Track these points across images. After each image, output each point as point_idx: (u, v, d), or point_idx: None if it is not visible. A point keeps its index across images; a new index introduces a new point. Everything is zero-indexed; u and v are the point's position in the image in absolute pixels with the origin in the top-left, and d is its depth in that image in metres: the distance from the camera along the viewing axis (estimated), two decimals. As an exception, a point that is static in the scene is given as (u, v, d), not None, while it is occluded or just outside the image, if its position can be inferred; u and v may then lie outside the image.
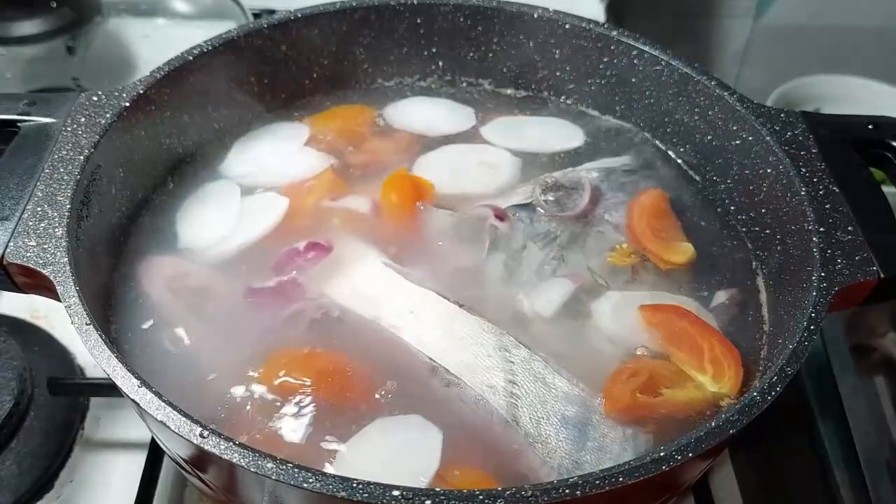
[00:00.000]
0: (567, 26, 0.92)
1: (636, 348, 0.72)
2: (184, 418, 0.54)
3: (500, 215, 0.82)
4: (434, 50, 0.97)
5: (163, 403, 0.55)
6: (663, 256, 0.79)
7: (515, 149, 0.91)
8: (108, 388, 0.83)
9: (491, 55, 0.96)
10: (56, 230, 0.65)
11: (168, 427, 0.54)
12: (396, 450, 0.64)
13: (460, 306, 0.72)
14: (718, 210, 0.86)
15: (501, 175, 0.88)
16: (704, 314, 0.75)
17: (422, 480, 0.61)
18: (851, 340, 0.91)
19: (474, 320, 0.71)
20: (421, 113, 0.96)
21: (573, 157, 0.91)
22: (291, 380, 0.67)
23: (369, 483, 0.50)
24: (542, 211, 0.82)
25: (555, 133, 0.94)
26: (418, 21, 0.94)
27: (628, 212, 0.83)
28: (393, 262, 0.77)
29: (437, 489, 0.50)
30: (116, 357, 0.57)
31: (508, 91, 0.99)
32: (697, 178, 0.89)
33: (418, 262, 0.78)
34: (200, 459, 0.58)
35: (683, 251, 0.79)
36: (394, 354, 0.70)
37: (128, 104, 0.76)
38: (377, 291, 0.74)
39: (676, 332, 0.71)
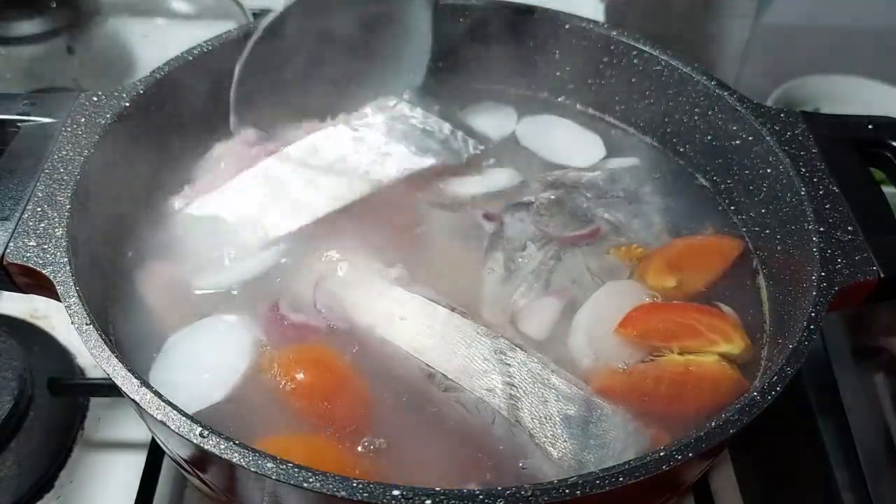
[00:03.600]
0: (567, 26, 0.92)
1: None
2: (184, 418, 0.54)
3: (490, 216, 0.82)
4: (433, 50, 0.97)
5: (163, 403, 0.55)
6: (649, 273, 0.78)
7: (533, 150, 0.91)
8: (108, 388, 0.83)
9: (490, 55, 0.96)
10: (56, 230, 0.65)
11: (168, 427, 0.54)
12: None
13: (452, 310, 0.71)
14: (718, 210, 0.86)
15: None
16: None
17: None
18: (851, 340, 0.91)
19: (468, 324, 0.70)
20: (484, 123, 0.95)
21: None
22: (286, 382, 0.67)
23: (369, 483, 0.50)
24: (539, 218, 0.82)
25: (575, 146, 0.92)
26: (418, 21, 0.94)
27: (690, 236, 0.82)
28: (382, 267, 0.76)
29: (438, 489, 0.50)
30: (116, 357, 0.57)
31: (507, 91, 0.99)
32: (698, 177, 0.89)
33: (411, 265, 0.76)
34: (200, 459, 0.58)
35: (664, 282, 0.77)
36: (391, 360, 0.69)
37: (128, 104, 0.76)
38: (366, 297, 0.73)
39: (662, 328, 0.71)
